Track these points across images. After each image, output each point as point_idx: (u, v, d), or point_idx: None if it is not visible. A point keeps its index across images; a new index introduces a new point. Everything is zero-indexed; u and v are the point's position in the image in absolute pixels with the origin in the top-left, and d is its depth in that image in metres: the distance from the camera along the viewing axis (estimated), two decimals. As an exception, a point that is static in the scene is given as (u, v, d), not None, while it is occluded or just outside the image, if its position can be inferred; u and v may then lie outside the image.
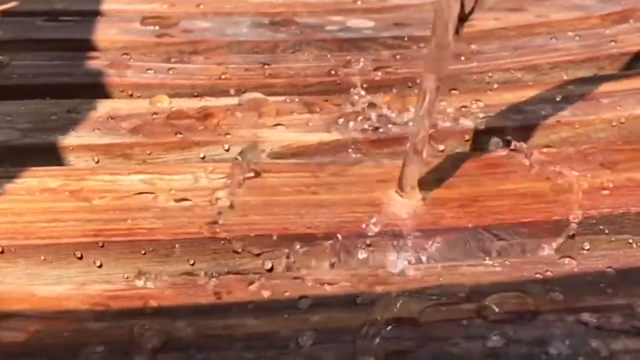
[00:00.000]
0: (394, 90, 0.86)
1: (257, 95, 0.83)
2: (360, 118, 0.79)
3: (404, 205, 0.66)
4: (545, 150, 0.73)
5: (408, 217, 0.65)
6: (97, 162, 0.74)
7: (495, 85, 0.88)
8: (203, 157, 0.75)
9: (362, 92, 0.85)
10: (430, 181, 0.69)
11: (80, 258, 0.61)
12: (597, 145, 0.74)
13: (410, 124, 0.67)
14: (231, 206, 0.65)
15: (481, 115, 0.80)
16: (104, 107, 0.81)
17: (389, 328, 0.56)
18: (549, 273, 0.60)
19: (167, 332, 0.55)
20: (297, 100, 0.83)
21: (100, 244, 0.62)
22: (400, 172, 0.65)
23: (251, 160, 0.74)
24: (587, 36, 0.97)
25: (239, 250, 0.62)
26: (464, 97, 0.83)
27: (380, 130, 0.78)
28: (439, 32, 0.59)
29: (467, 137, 0.78)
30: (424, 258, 0.63)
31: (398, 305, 0.57)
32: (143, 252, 0.62)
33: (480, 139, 0.77)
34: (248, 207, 0.66)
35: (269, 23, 1.02)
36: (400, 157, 0.66)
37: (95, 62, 0.91)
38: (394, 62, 0.92)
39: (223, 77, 0.89)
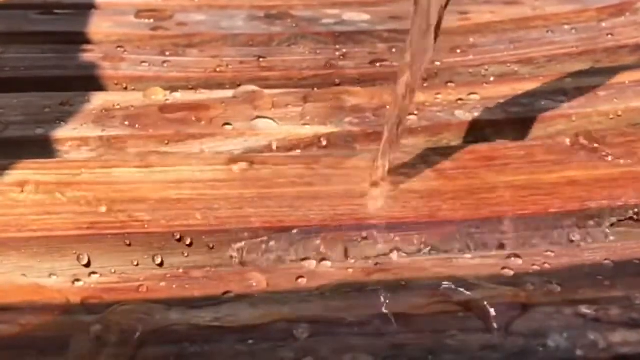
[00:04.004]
0: (390, 84, 0.85)
1: (253, 87, 0.83)
2: (355, 111, 0.79)
3: (401, 198, 0.65)
4: (542, 142, 0.73)
5: (404, 209, 0.65)
6: (91, 154, 0.74)
7: (492, 78, 0.87)
8: (198, 150, 0.75)
9: (358, 86, 0.84)
10: (427, 173, 0.68)
11: (74, 251, 0.61)
12: (594, 138, 0.74)
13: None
14: (226, 198, 0.65)
15: (477, 108, 0.79)
16: (98, 99, 0.80)
17: (384, 321, 0.55)
18: (546, 265, 0.60)
19: (161, 325, 0.54)
20: (292, 93, 0.82)
21: (94, 237, 0.61)
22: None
23: (246, 152, 0.74)
24: (583, 29, 0.97)
25: (234, 242, 0.62)
26: (460, 89, 0.83)
27: (376, 123, 0.77)
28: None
29: (463, 129, 0.77)
30: (420, 250, 0.62)
31: (394, 297, 0.57)
32: (137, 244, 0.61)
33: (476, 132, 0.77)
34: (243, 200, 0.65)
35: (265, 16, 1.01)
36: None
37: (89, 55, 0.90)
38: (390, 55, 0.91)
39: (218, 70, 0.88)
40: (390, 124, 0.62)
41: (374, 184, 0.65)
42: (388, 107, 0.64)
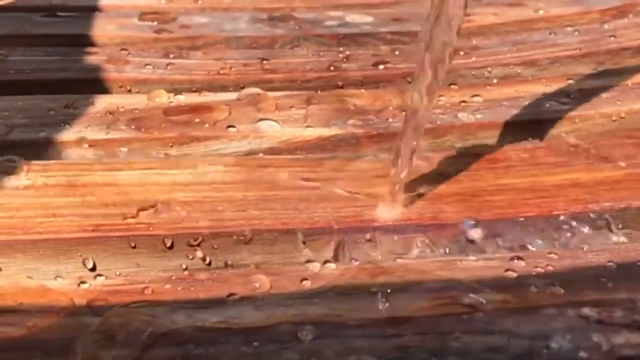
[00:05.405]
0: (394, 86, 0.86)
1: (256, 90, 0.83)
2: (359, 113, 0.79)
3: (402, 201, 0.66)
4: (545, 144, 0.73)
5: (408, 211, 0.65)
6: (96, 157, 0.74)
7: (495, 80, 0.87)
8: (202, 152, 0.75)
9: (361, 88, 0.85)
10: (430, 176, 0.68)
11: (79, 253, 0.61)
12: (597, 140, 0.74)
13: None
14: (230, 200, 0.65)
15: (481, 110, 0.80)
16: (102, 102, 0.80)
17: (389, 323, 0.56)
18: (549, 267, 0.60)
19: (166, 327, 0.54)
20: (296, 95, 0.82)
21: (99, 239, 0.62)
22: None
23: (250, 154, 0.74)
24: (586, 31, 0.97)
25: (238, 244, 0.62)
26: (463, 91, 0.83)
27: (380, 125, 0.77)
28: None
29: (466, 131, 0.77)
30: (423, 252, 0.63)
31: (398, 299, 0.57)
32: (142, 246, 0.61)
33: (479, 134, 0.77)
34: (247, 202, 0.65)
35: (267, 18, 1.02)
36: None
37: (93, 58, 0.90)
38: (393, 58, 0.92)
39: (221, 72, 0.88)
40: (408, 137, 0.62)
41: (389, 193, 0.65)
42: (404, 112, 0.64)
